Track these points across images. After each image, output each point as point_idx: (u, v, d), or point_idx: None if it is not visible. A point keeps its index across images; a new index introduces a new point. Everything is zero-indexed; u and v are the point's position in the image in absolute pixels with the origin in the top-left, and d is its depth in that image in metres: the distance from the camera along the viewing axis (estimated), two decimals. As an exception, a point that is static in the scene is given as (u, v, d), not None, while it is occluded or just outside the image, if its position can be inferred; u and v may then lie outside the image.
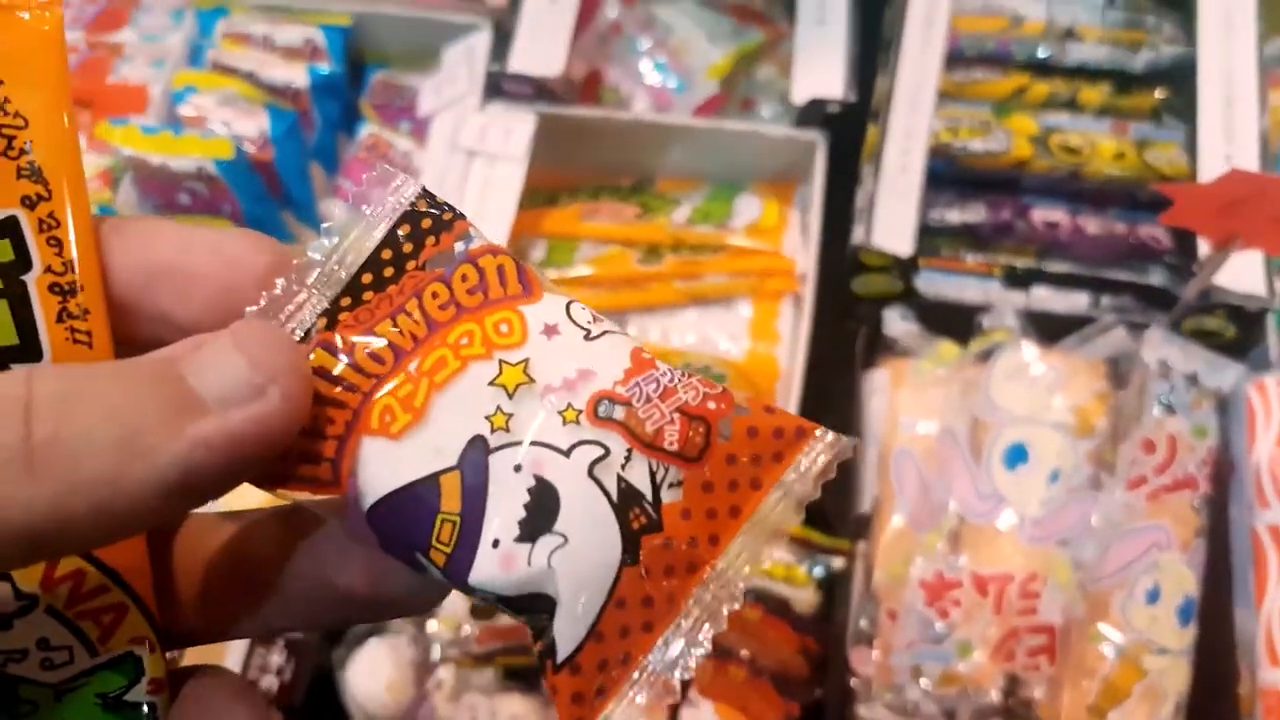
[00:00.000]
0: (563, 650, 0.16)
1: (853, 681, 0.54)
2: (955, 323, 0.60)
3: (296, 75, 0.64)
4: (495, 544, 0.16)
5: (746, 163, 0.66)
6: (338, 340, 0.17)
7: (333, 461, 0.17)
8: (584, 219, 0.67)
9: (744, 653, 0.55)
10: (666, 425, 0.16)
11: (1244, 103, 0.61)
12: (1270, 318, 0.59)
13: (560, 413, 0.17)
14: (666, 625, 0.16)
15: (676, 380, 0.17)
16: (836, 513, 0.58)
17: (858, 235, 0.59)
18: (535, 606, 0.16)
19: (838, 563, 0.56)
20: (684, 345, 0.62)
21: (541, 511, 0.16)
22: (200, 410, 0.15)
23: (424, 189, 0.18)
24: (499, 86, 0.64)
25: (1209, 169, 0.59)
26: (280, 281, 0.17)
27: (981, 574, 0.55)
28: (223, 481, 0.16)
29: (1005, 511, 0.55)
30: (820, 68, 0.62)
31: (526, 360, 0.17)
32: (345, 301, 0.18)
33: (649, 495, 0.16)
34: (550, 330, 0.17)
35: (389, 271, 0.18)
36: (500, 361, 0.17)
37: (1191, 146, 0.62)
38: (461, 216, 0.19)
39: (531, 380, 0.17)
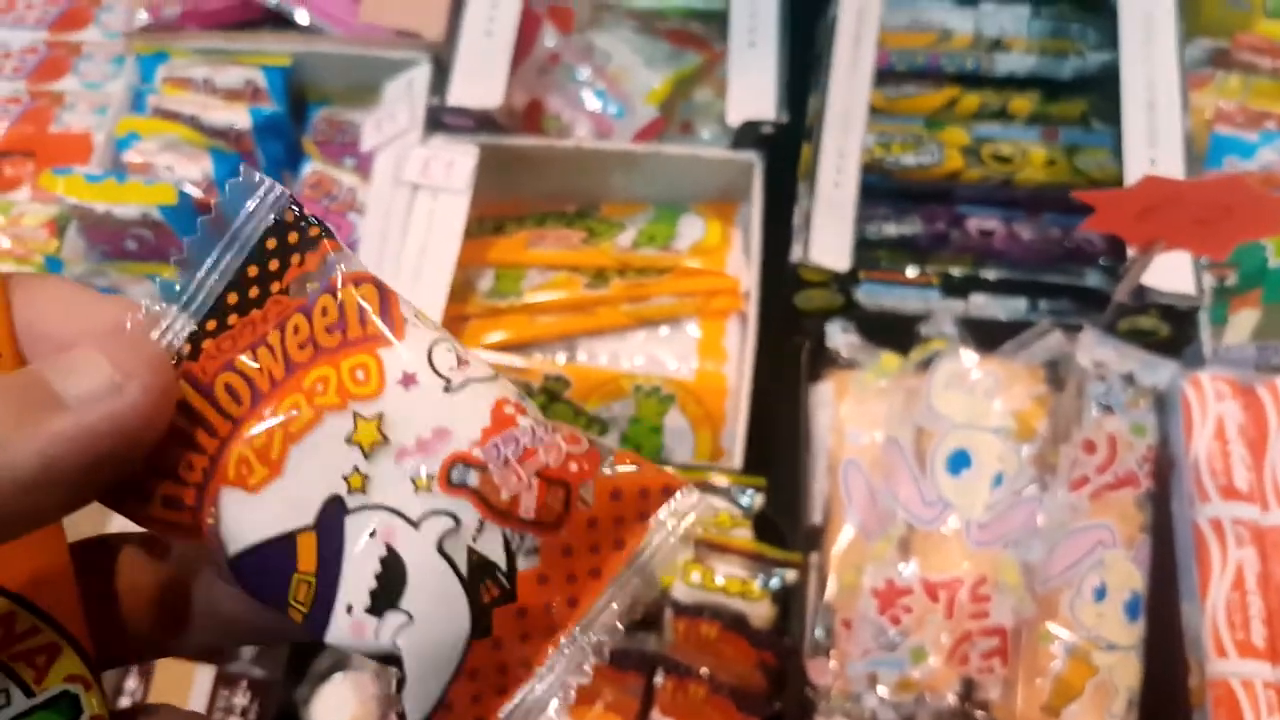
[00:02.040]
0: (411, 717, 0.16)
1: (810, 693, 0.55)
2: (897, 333, 0.61)
3: (238, 117, 0.64)
4: (349, 609, 0.16)
5: (688, 185, 0.67)
6: (199, 373, 0.17)
7: (193, 510, 0.17)
8: (530, 246, 0.68)
9: (703, 670, 0.55)
10: (523, 492, 0.16)
11: (1166, 106, 0.62)
12: (1202, 314, 0.61)
13: (413, 479, 0.16)
14: (520, 687, 0.16)
15: (538, 439, 0.16)
16: (788, 526, 0.59)
17: (796, 252, 0.60)
18: (392, 663, 0.17)
19: (791, 575, 0.57)
20: (633, 368, 0.63)
21: (390, 586, 0.16)
22: (58, 407, 0.16)
23: (291, 197, 0.18)
24: (440, 120, 0.65)
25: (1135, 172, 0.61)
26: (145, 304, 0.17)
27: (931, 580, 0.55)
28: (84, 477, 0.16)
29: (951, 517, 0.56)
30: (753, 90, 0.63)
31: (381, 416, 0.17)
32: (211, 325, 0.17)
33: (503, 565, 0.16)
34: (408, 380, 0.17)
35: (254, 292, 0.17)
36: (355, 415, 0.17)
37: (1120, 151, 0.63)
38: (328, 233, 0.18)
39: (386, 440, 0.16)
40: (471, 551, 0.16)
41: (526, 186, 0.69)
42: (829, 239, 0.61)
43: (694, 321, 0.65)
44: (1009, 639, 0.55)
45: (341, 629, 0.16)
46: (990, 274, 0.64)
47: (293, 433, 0.17)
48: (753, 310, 0.63)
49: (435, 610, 0.16)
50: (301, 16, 0.67)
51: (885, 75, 0.68)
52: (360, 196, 0.66)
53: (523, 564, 0.16)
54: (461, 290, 0.67)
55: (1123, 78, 0.63)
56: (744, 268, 0.65)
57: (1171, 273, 0.58)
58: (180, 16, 0.67)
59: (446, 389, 0.17)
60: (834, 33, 0.63)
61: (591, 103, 0.69)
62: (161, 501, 0.17)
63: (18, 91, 0.72)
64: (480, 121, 0.65)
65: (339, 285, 0.17)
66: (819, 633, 0.56)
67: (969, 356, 0.59)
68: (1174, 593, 0.56)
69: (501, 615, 0.16)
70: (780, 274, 0.63)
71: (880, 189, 0.66)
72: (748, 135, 0.64)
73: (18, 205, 0.68)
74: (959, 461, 0.57)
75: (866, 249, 0.65)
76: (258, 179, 0.18)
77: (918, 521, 0.57)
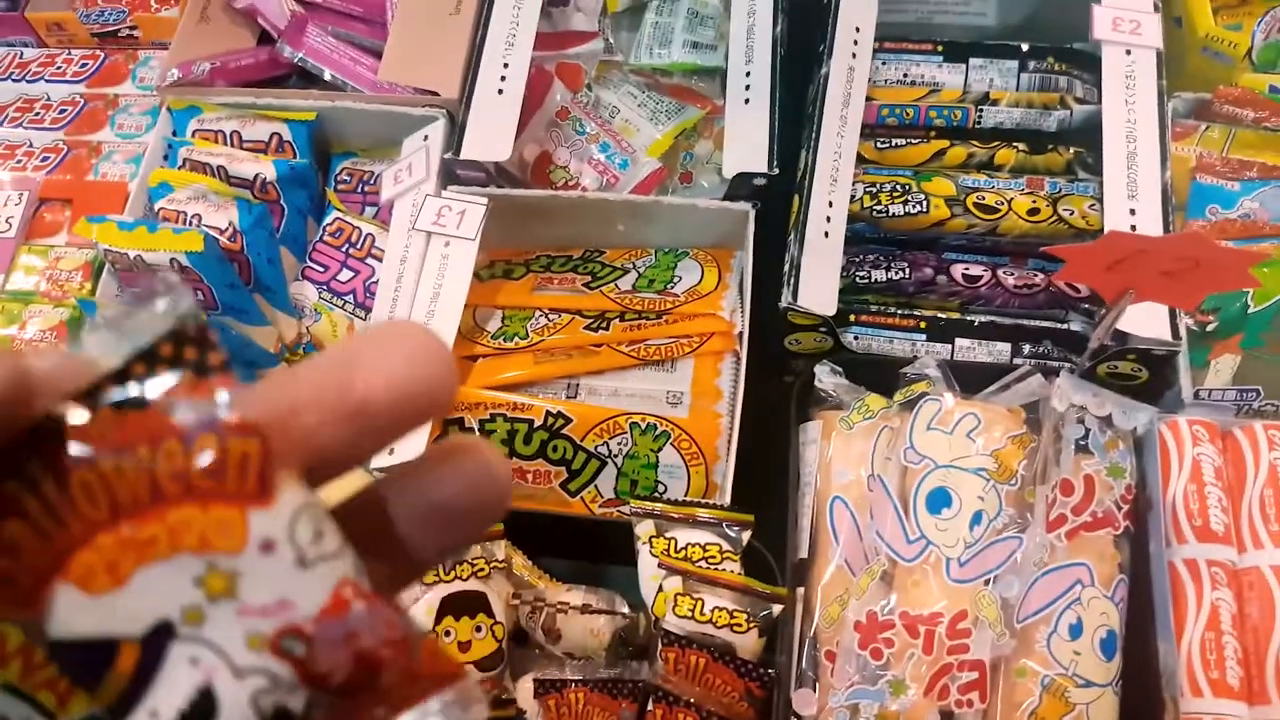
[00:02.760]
0: None
1: (794, 723, 0.57)
2: (883, 375, 0.64)
3: (265, 169, 0.69)
4: (153, 715, 0.17)
5: (686, 232, 0.71)
6: (69, 454, 0.17)
7: (29, 591, 0.17)
8: (536, 290, 0.71)
9: (691, 700, 0.57)
10: (338, 668, 0.17)
11: (1146, 157, 0.65)
12: (1182, 359, 0.63)
13: (248, 635, 0.17)
14: None
15: (364, 623, 0.18)
16: (776, 560, 0.61)
17: (785, 298, 0.63)
18: None
19: (778, 608, 0.59)
20: (632, 406, 0.66)
21: (198, 714, 0.17)
22: None
23: (201, 314, 0.18)
24: (454, 172, 0.69)
25: (1115, 222, 0.63)
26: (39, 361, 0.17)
27: (912, 614, 0.58)
28: None
29: (932, 554, 0.58)
30: (747, 144, 0.66)
31: (236, 573, 0.17)
32: (81, 404, 0.17)
33: (300, 713, 0.17)
34: (268, 546, 0.17)
35: (136, 391, 0.17)
36: (209, 565, 0.17)
37: (1104, 200, 0.66)
38: (226, 369, 0.17)
39: (233, 595, 0.17)
40: (278, 705, 0.17)
41: (534, 233, 0.72)
42: (816, 286, 0.64)
43: (689, 362, 0.68)
44: (987, 673, 0.57)
45: None
46: (975, 318, 0.66)
47: (145, 557, 0.17)
48: (745, 352, 0.66)
49: None
50: (325, 74, 0.72)
51: (875, 128, 0.71)
52: (378, 243, 0.70)
53: (318, 716, 0.18)
54: (471, 331, 0.70)
55: (1104, 130, 0.65)
56: (737, 311, 0.68)
57: (1150, 319, 0.61)
58: (210, 73, 0.71)
59: (300, 563, 0.17)
60: (824, 90, 0.67)
61: (597, 154, 0.73)
62: None
63: (57, 141, 0.78)
64: (491, 173, 0.69)
65: (227, 431, 0.17)
66: (804, 665, 0.58)
67: (950, 398, 0.61)
68: (1150, 632, 0.58)
69: None
70: (772, 317, 0.66)
71: (868, 236, 0.69)
72: (742, 186, 0.67)
73: (56, 249, 0.72)
74: (940, 500, 0.59)
75: (854, 293, 0.68)
76: (174, 283, 0.18)
77: (900, 558, 0.59)
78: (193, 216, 0.66)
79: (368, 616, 0.18)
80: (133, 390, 0.17)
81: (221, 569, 0.17)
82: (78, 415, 0.17)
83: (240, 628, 0.17)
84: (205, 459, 0.17)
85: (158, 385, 0.17)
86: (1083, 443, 0.60)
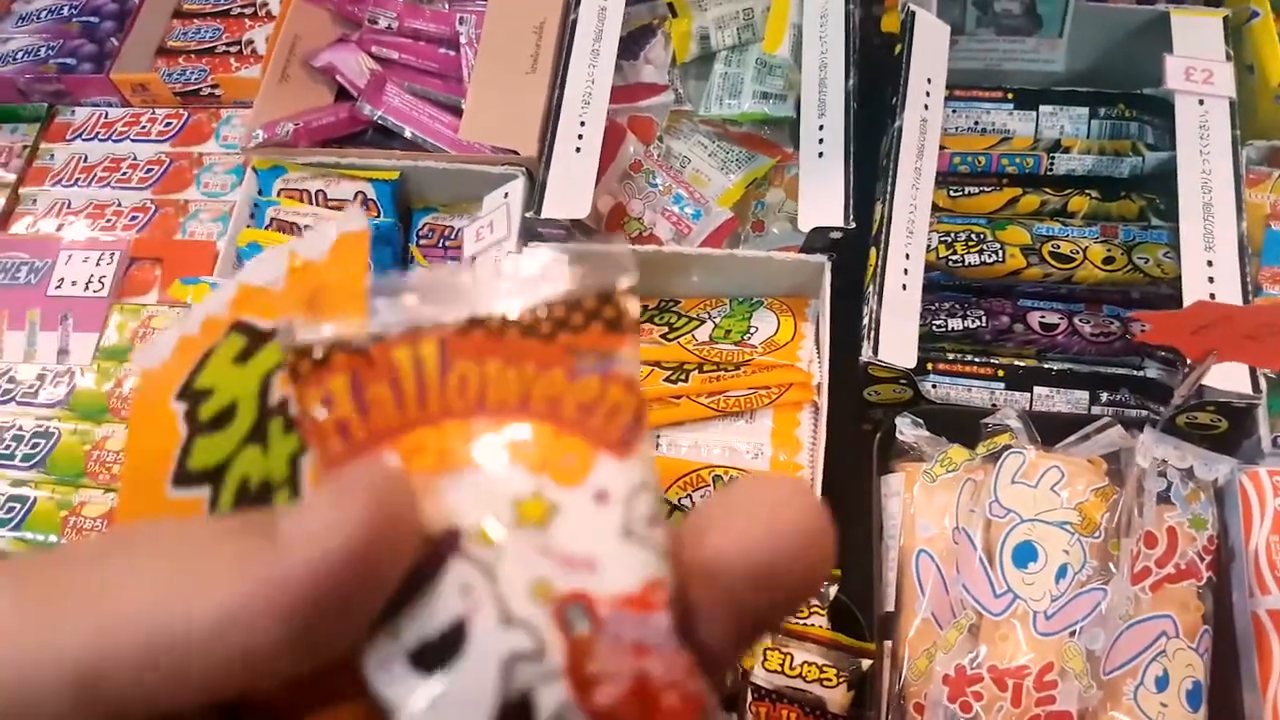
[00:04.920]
0: None
1: (885, 773, 0.59)
2: (963, 425, 0.65)
3: (349, 228, 0.70)
4: (393, 631, 0.15)
5: (761, 282, 0.72)
6: (460, 342, 0.16)
7: (358, 452, 0.16)
8: (614, 340, 0.73)
9: (783, 750, 0.59)
10: (610, 679, 0.14)
11: (1222, 208, 0.65)
12: (1260, 409, 0.63)
13: (536, 581, 0.15)
14: None
15: (661, 643, 0.15)
16: (863, 613, 0.62)
17: (865, 352, 0.64)
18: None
19: (866, 663, 0.60)
20: (712, 458, 0.68)
21: (441, 648, 0.15)
22: (263, 547, 0.14)
23: (626, 283, 0.17)
24: (534, 229, 0.70)
25: (1192, 273, 0.64)
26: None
27: (1000, 667, 0.59)
28: (286, 630, 0.14)
29: (1019, 607, 0.60)
30: (822, 197, 0.67)
31: (556, 507, 0.15)
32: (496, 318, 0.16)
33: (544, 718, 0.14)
34: (601, 497, 0.16)
35: (547, 328, 0.17)
36: (536, 489, 0.15)
37: (1178, 246, 0.66)
38: (634, 330, 0.17)
39: (544, 527, 0.15)
40: (526, 689, 0.14)
41: (610, 283, 0.74)
42: (895, 339, 0.65)
43: (769, 413, 0.69)
44: (1075, 725, 0.58)
45: (384, 656, 0.15)
46: (1053, 366, 0.67)
47: (476, 458, 0.16)
48: (824, 402, 0.67)
49: (455, 712, 0.14)
50: (406, 133, 0.73)
51: (948, 176, 0.72)
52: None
53: None
54: (550, 381, 0.72)
55: (1180, 182, 0.66)
56: (815, 361, 0.69)
57: (1230, 372, 0.61)
58: (294, 134, 0.73)
59: (625, 533, 0.15)
60: (898, 143, 0.67)
61: (670, 205, 0.74)
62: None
63: (144, 200, 0.80)
64: (570, 229, 0.70)
65: (619, 380, 0.16)
66: (892, 717, 0.59)
67: (1033, 451, 0.62)
68: (1235, 683, 0.59)
69: None
70: (850, 367, 0.67)
71: (945, 284, 0.70)
72: (818, 239, 0.68)
73: (148, 308, 0.75)
74: (1026, 554, 0.60)
75: (931, 341, 0.69)
76: (628, 258, 0.17)
77: (986, 611, 0.60)
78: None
79: (667, 642, 0.15)
80: (544, 326, 0.17)
81: (546, 497, 0.15)
82: (492, 317, 0.16)
83: (531, 569, 0.15)
84: (582, 393, 0.16)
85: (568, 326, 0.17)
86: (1165, 495, 0.61)
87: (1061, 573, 0.60)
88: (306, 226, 0.71)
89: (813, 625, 0.61)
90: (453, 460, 0.16)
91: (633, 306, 0.17)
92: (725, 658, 0.16)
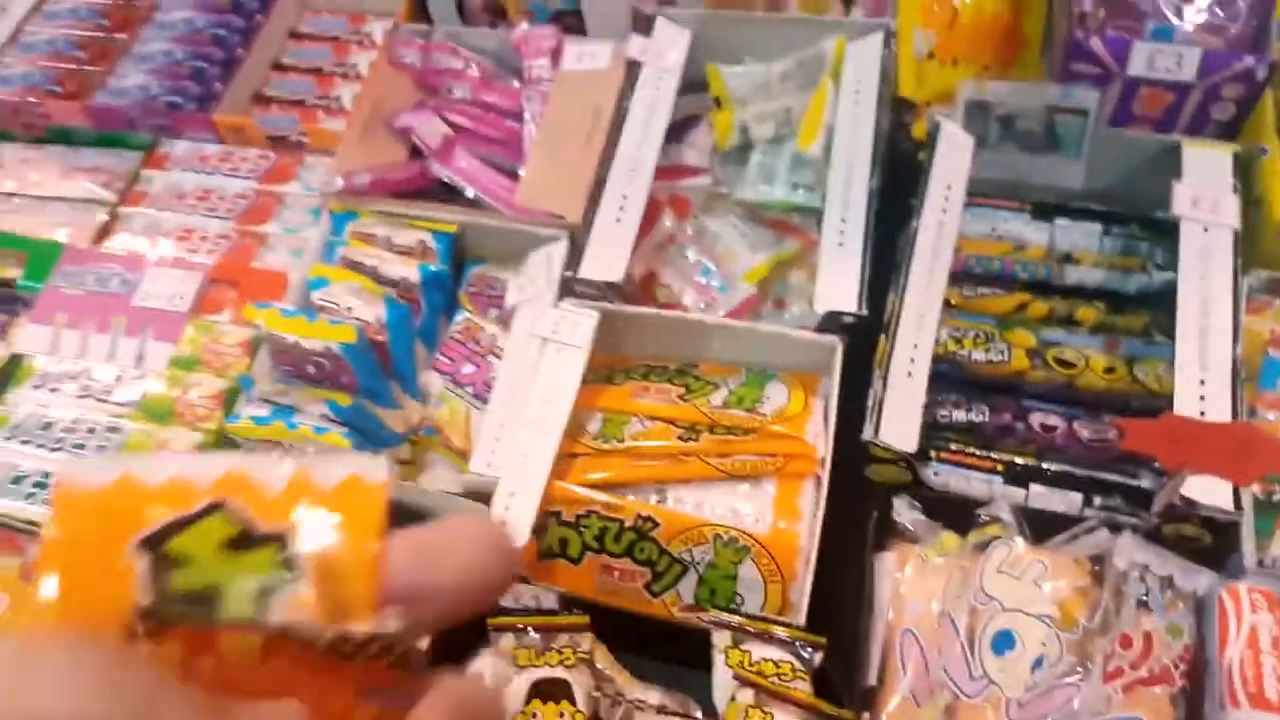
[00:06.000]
0: None
1: (852, 841, 0.60)
2: (959, 514, 0.68)
3: (410, 272, 0.77)
4: None
5: (776, 356, 0.76)
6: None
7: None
8: (635, 397, 0.78)
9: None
10: None
11: (1218, 332, 0.69)
12: (1244, 526, 0.66)
13: None
14: None
15: None
16: (844, 684, 0.65)
17: (868, 432, 0.68)
18: None
19: (844, 730, 0.63)
20: (714, 517, 0.71)
21: None
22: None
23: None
24: (571, 287, 0.76)
25: (1185, 391, 0.67)
26: None
27: (971, 749, 0.61)
28: None
29: (993, 693, 0.62)
30: (839, 283, 0.72)
31: None
32: None
33: None
34: None
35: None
36: None
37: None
38: None
39: None
40: None
41: (636, 344, 0.79)
42: (898, 422, 0.69)
43: (772, 480, 0.73)
44: (1040, 815, 0.59)
45: None
46: (1050, 467, 0.70)
47: None
48: (826, 476, 0.71)
49: None
50: (469, 192, 0.80)
51: (962, 276, 0.76)
52: (499, 342, 0.78)
53: None
54: (574, 430, 0.77)
55: (1179, 302, 0.70)
56: (821, 435, 0.73)
57: (1215, 486, 0.64)
58: (369, 185, 0.81)
59: None
60: (914, 242, 0.72)
61: (699, 277, 0.80)
62: None
63: (228, 229, 0.88)
64: (604, 289, 0.76)
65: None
66: (864, 786, 0.62)
67: (1021, 544, 0.65)
68: (1202, 791, 0.60)
69: None
70: (854, 446, 0.71)
71: (951, 378, 0.74)
72: (831, 321, 0.73)
73: (219, 326, 0.82)
74: (1004, 642, 0.63)
75: (936, 429, 0.73)
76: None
77: (962, 694, 0.62)
78: (345, 309, 0.75)
79: None
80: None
81: None
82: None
83: None
84: None
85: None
86: (1144, 600, 0.63)
87: (1038, 664, 0.62)
88: (372, 267, 0.78)
89: (796, 689, 0.64)
90: None
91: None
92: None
